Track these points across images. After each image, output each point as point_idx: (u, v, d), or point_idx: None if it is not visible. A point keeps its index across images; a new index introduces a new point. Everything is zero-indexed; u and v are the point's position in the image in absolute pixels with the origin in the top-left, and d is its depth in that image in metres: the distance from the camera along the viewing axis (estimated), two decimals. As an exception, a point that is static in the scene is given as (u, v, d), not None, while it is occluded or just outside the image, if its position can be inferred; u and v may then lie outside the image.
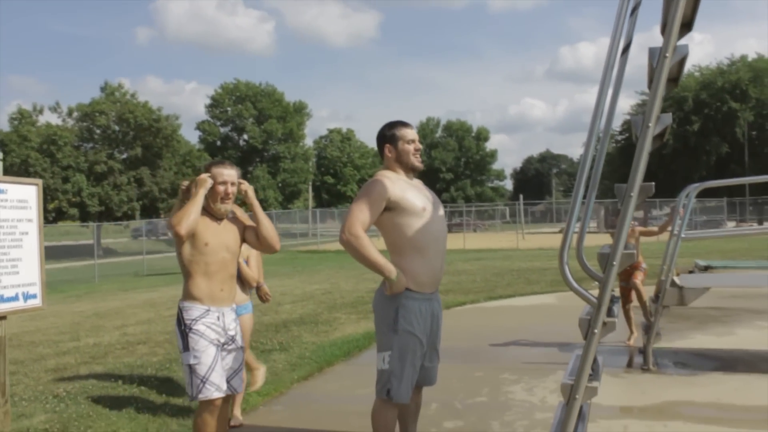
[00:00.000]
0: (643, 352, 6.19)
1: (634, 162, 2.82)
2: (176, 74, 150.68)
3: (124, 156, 45.17)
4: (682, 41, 2.88)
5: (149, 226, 40.96)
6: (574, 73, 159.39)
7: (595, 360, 3.04)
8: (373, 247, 3.34)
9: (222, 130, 63.27)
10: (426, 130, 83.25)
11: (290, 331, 8.54)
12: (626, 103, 50.75)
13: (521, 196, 44.44)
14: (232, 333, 3.67)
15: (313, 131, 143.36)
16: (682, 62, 2.97)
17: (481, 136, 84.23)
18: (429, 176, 70.86)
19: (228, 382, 3.62)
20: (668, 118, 2.97)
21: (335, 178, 72.97)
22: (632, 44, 3.08)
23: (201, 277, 3.57)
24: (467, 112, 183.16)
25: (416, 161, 3.57)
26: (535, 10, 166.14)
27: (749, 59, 53.90)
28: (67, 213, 41.60)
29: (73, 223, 43.45)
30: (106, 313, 12.04)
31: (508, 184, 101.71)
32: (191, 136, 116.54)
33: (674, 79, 3.07)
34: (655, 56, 2.84)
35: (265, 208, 52.58)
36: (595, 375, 3.02)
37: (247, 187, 3.74)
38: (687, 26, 2.87)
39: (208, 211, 3.64)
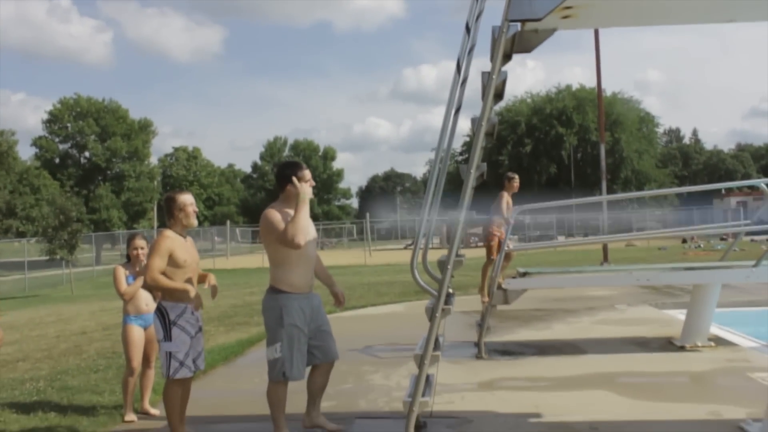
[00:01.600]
0: (477, 345, 7.51)
1: (461, 197, 4.03)
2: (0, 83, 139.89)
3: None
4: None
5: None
6: (417, 94, 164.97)
7: (437, 339, 4.23)
8: None
9: (61, 146, 60.49)
10: (273, 149, 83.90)
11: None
12: (466, 125, 53.86)
13: (368, 215, 46.01)
14: (200, 323, 4.69)
15: (156, 148, 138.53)
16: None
17: (328, 155, 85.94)
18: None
19: (194, 361, 4.62)
20: (484, 166, 4.22)
21: (182, 197, 71.59)
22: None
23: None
24: (313, 131, 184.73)
25: (307, 193, 4.56)
26: (379, 32, 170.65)
27: (573, 89, 59.23)
28: None
29: None
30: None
31: (355, 203, 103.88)
32: (24, 152, 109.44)
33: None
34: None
35: (108, 228, 51.27)
36: (437, 347, 4.20)
37: None
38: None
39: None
